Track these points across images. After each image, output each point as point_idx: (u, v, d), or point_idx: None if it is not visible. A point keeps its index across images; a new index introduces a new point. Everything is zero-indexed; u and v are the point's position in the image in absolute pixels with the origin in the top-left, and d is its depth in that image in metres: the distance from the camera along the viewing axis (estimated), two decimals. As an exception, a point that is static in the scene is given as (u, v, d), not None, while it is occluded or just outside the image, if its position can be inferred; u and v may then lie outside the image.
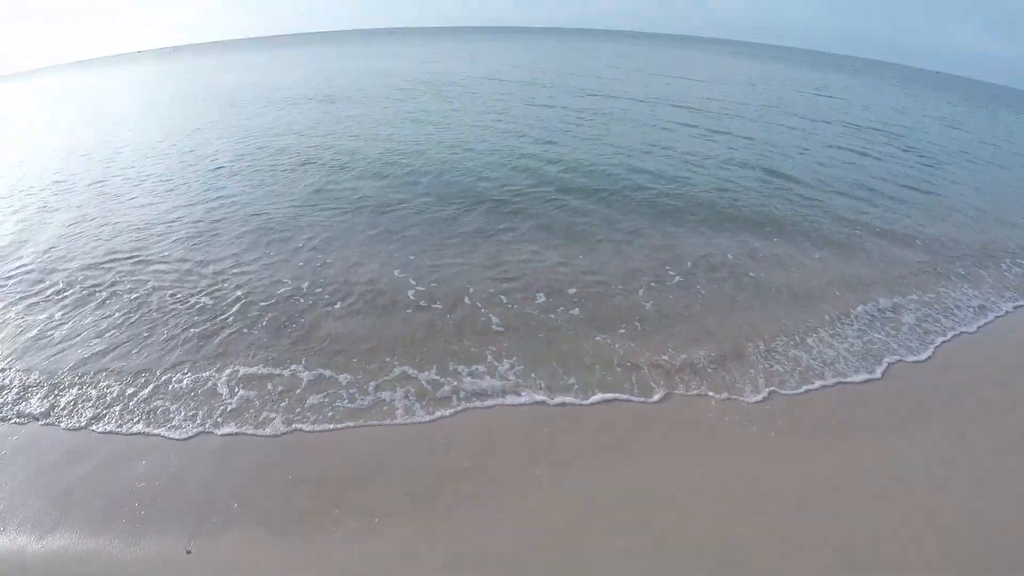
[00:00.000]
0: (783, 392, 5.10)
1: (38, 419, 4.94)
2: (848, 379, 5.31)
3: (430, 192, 9.87)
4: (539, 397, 4.97)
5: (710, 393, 5.03)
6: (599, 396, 4.98)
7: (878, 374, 5.42)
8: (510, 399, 4.97)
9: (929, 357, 5.78)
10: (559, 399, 4.95)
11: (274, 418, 4.79)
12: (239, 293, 6.73)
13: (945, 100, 39.68)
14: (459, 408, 4.87)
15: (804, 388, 5.17)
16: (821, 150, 14.43)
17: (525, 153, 12.11)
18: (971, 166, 14.93)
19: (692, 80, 31.26)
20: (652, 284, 6.90)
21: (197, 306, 6.51)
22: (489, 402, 4.94)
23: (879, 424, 4.79)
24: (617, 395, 4.99)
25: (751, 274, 7.19)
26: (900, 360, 5.65)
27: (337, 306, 6.39)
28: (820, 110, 22.90)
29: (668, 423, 4.71)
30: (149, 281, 7.17)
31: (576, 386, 5.09)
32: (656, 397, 4.99)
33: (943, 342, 6.07)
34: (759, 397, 5.02)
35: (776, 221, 8.89)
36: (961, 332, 6.30)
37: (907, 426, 4.77)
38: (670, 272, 7.18)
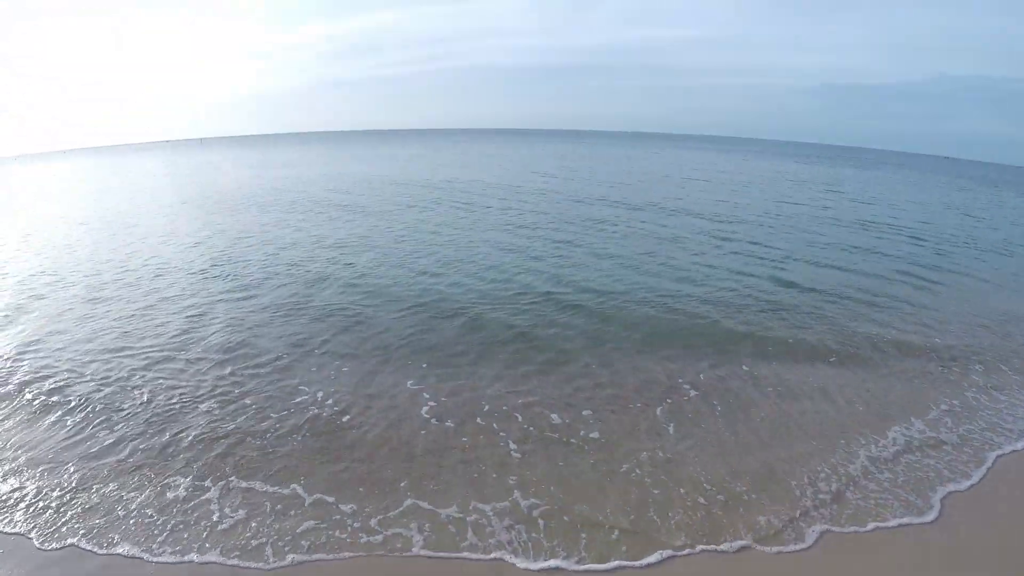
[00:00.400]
0: (835, 532, 4.58)
1: (20, 532, 4.62)
2: (904, 519, 4.76)
3: (440, 305, 9.91)
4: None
5: (757, 546, 4.49)
6: (656, 556, 4.38)
7: (935, 508, 4.88)
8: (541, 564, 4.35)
9: (983, 478, 5.31)
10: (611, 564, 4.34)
11: (265, 546, 4.41)
12: (248, 400, 6.61)
13: (955, 186, 41.05)
14: (490, 558, 4.39)
15: (853, 529, 4.63)
16: (829, 252, 14.51)
17: (529, 268, 12.37)
18: (982, 255, 15.16)
19: (693, 182, 32.92)
20: (667, 410, 6.55)
21: (201, 409, 6.40)
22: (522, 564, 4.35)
23: (953, 563, 4.18)
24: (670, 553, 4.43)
25: (768, 401, 6.75)
26: (954, 491, 5.13)
27: (345, 419, 6.20)
28: (828, 207, 23.59)
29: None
30: (160, 379, 7.16)
31: (623, 547, 4.48)
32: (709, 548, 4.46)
33: (998, 456, 5.61)
34: (807, 544, 4.49)
35: (785, 340, 8.47)
36: (1011, 450, 5.81)
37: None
38: (681, 399, 6.80)
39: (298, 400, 6.57)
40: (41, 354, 8.15)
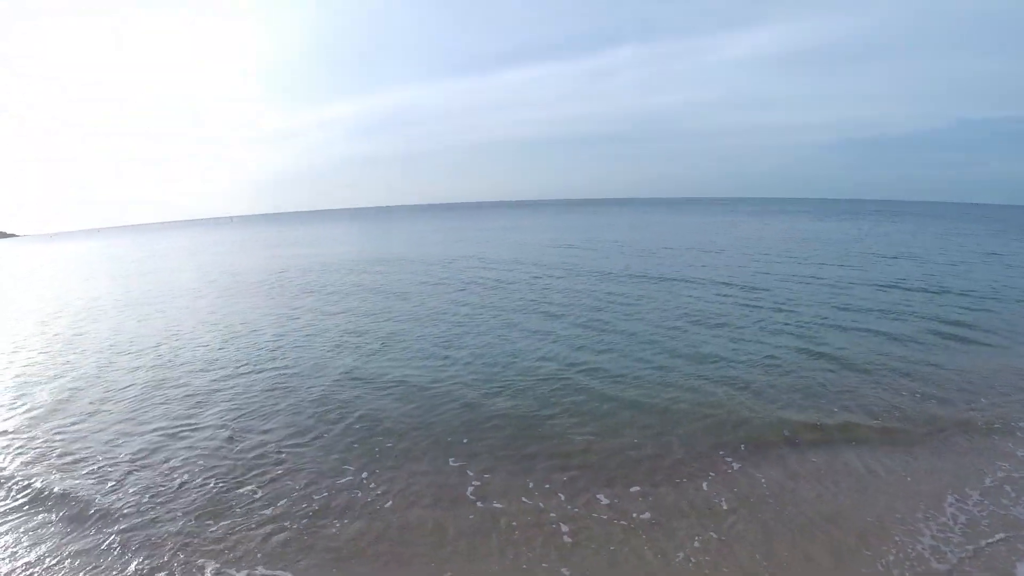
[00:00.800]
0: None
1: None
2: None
3: (478, 384, 9.85)
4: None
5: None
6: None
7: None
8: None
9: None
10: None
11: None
12: (290, 481, 6.57)
13: (985, 231, 40.25)
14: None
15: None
16: (859, 315, 14.14)
17: (561, 346, 12.33)
18: (1020, 307, 14.89)
19: (716, 247, 32.68)
20: (714, 485, 6.41)
21: (243, 492, 6.36)
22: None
23: None
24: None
25: (815, 481, 6.55)
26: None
27: (389, 503, 6.14)
28: (854, 266, 23.37)
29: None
30: (197, 459, 7.18)
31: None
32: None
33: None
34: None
35: (823, 416, 8.15)
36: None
37: None
38: (726, 475, 6.65)
39: (341, 481, 6.54)
40: (75, 432, 8.30)
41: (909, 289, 17.46)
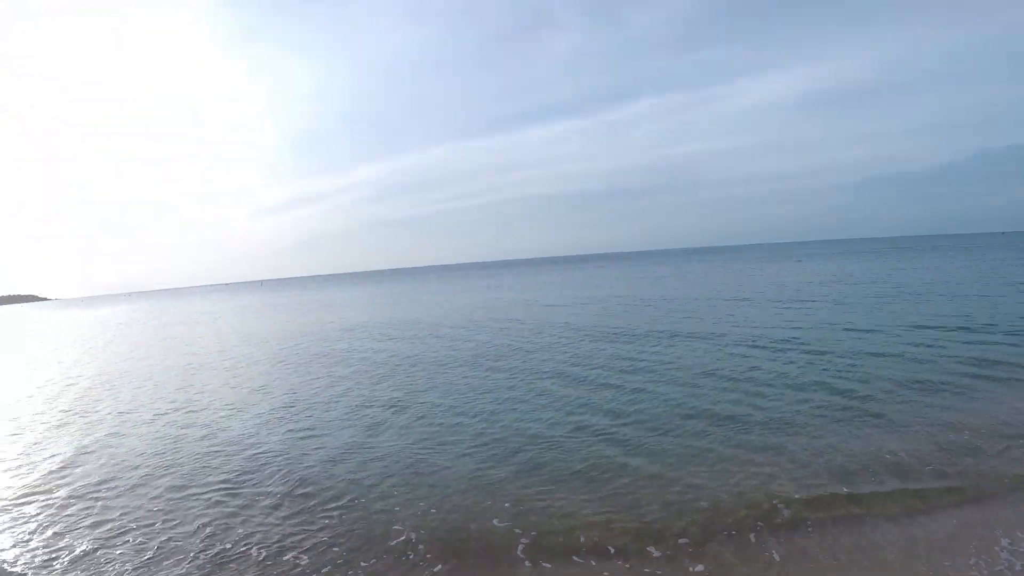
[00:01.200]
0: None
1: None
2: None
3: (515, 440, 9.90)
4: None
5: None
6: None
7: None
8: None
9: None
10: None
11: None
12: (337, 548, 6.53)
13: (1016, 259, 39.36)
14: None
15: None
16: (892, 362, 13.82)
17: (597, 400, 12.33)
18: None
19: (743, 296, 32.67)
20: (764, 533, 6.36)
21: (287, 560, 6.30)
22: None
23: None
24: None
25: (872, 526, 6.49)
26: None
27: (439, 567, 6.11)
28: (883, 304, 23.02)
29: None
30: (236, 524, 7.16)
31: None
32: None
33: None
34: None
35: (868, 462, 8.09)
36: None
37: None
38: (775, 523, 6.62)
39: (392, 544, 6.50)
40: (108, 498, 8.27)
41: (943, 328, 17.37)
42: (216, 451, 10.41)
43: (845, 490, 7.25)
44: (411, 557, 6.27)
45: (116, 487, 9.05)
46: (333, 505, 7.72)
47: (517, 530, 6.65)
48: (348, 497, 7.93)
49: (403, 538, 6.65)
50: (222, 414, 13.25)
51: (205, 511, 7.81)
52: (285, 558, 6.41)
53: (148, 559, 6.61)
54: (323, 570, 6.14)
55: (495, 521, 6.92)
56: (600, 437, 9.75)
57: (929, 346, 15.15)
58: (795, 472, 7.87)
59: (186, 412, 13.70)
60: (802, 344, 16.62)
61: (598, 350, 18.11)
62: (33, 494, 9.01)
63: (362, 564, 6.20)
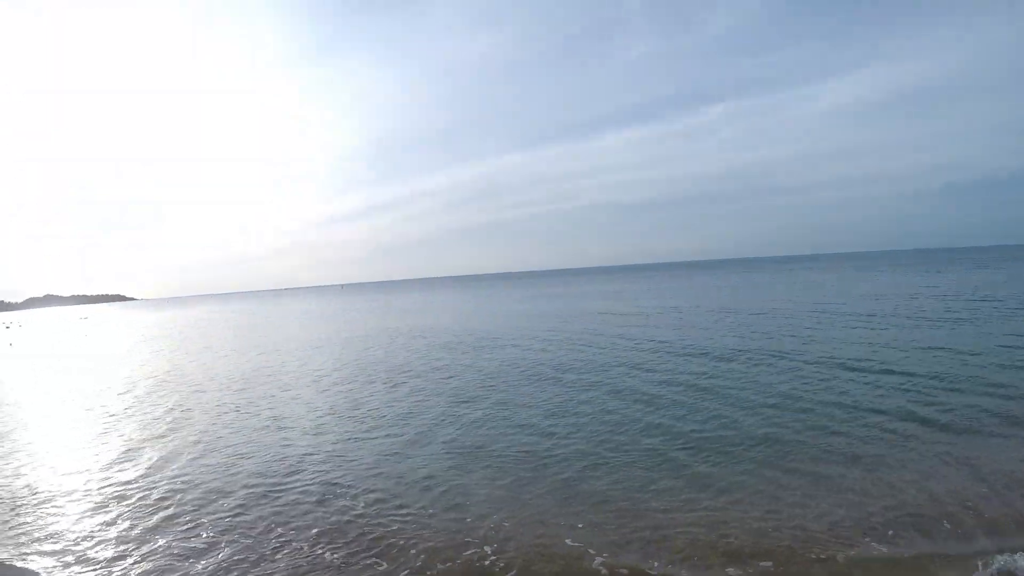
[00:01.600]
0: None
1: None
2: None
3: (600, 454, 9.91)
4: None
5: None
6: None
7: None
8: None
9: None
10: None
11: None
12: (413, 552, 6.77)
13: None
14: None
15: None
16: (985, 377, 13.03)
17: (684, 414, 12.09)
18: None
19: (824, 309, 30.77)
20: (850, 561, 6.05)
21: (362, 564, 6.57)
22: None
23: None
24: None
25: None
26: None
27: None
28: (969, 319, 21.89)
29: None
30: (310, 527, 7.20)
31: None
32: None
33: None
34: None
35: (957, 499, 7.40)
36: None
37: None
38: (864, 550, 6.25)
39: (468, 553, 6.68)
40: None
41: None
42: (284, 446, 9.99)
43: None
44: (486, 565, 6.44)
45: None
46: (419, 511, 8.00)
47: (591, 550, 6.64)
48: (417, 504, 8.16)
49: (475, 549, 6.80)
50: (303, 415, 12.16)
51: (281, 508, 8.26)
52: (362, 561, 6.65)
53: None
54: (401, 573, 6.40)
55: (567, 541, 6.91)
56: (675, 455, 9.60)
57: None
58: (875, 504, 7.37)
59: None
60: (888, 365, 15.25)
61: (680, 366, 17.33)
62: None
63: (437, 566, 6.44)
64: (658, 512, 7.52)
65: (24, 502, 9.34)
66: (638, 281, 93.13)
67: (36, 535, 8.06)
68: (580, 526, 7.31)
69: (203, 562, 6.96)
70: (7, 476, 10.82)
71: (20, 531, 8.22)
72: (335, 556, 6.87)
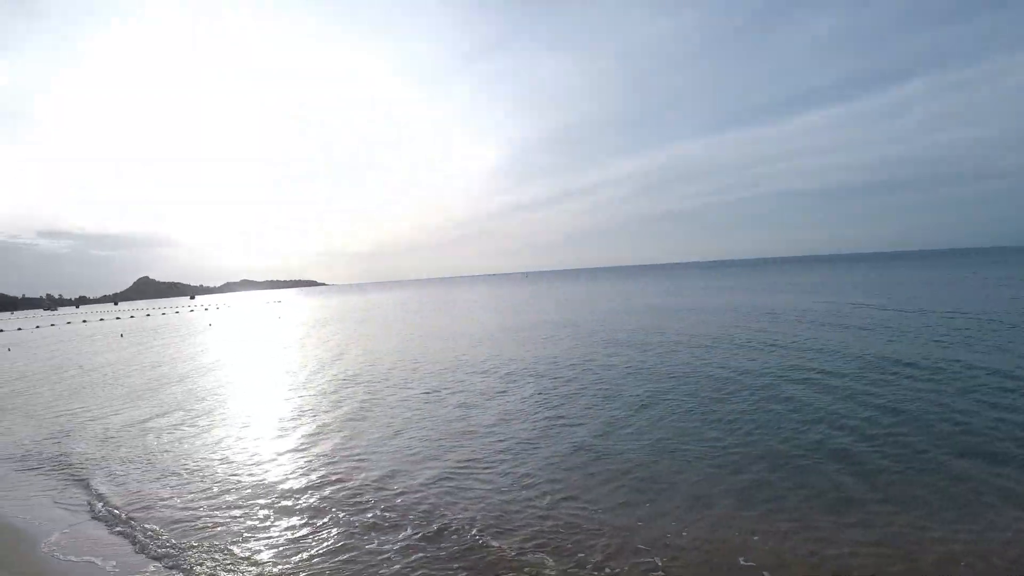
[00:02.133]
0: None
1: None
2: None
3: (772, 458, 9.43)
4: None
5: None
6: None
7: None
8: None
9: None
10: None
11: None
12: (574, 542, 6.90)
13: None
14: None
15: None
16: None
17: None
18: None
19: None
20: None
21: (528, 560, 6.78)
22: None
23: None
24: None
25: None
26: None
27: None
28: None
29: None
30: (475, 513, 7.65)
31: None
32: None
33: None
34: None
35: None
36: None
37: None
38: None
39: (637, 561, 6.73)
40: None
41: None
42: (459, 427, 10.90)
43: None
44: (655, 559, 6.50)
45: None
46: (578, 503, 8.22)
47: (752, 563, 6.36)
48: (587, 496, 8.39)
49: (648, 560, 6.77)
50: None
51: (430, 486, 9.05)
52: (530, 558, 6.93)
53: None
54: (567, 565, 6.64)
55: (740, 559, 6.63)
56: (848, 464, 8.90)
57: None
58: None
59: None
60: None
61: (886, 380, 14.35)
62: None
63: (606, 571, 6.54)
64: (828, 526, 7.06)
65: (245, 462, 11.37)
66: (832, 274, 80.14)
67: (255, 491, 9.81)
68: (755, 538, 7.01)
69: (381, 539, 7.72)
70: (231, 440, 13.19)
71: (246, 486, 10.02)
72: (502, 544, 7.28)
